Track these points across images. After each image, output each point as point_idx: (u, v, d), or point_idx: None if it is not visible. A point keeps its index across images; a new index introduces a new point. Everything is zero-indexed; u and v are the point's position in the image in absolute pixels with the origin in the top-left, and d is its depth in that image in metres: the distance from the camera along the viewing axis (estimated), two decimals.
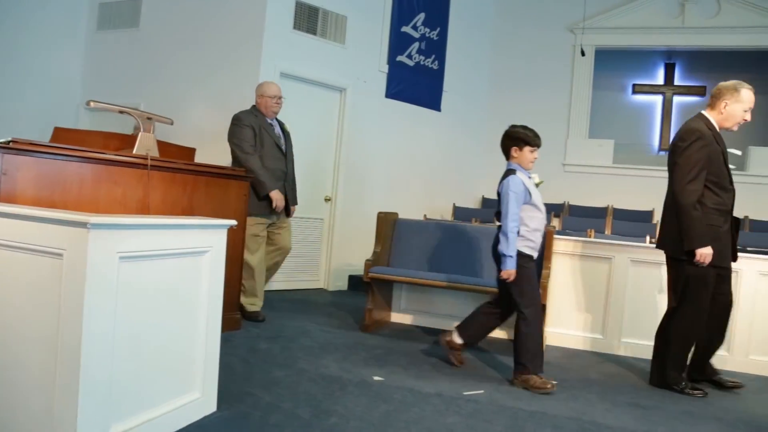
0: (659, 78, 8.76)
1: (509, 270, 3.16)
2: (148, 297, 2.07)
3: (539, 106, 7.91)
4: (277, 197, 4.18)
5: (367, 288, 4.24)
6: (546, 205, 7.96)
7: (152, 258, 2.07)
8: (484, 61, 8.00)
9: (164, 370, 2.18)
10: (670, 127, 8.62)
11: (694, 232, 3.14)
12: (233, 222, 2.44)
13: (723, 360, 3.84)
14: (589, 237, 5.19)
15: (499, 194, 3.34)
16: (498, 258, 3.24)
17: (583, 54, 7.53)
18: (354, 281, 6.11)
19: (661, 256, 4.19)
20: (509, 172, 3.35)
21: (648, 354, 4.07)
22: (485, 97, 8.00)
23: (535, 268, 3.29)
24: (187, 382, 2.31)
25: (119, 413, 1.98)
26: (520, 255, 3.20)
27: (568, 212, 7.46)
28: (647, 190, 7.44)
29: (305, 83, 5.79)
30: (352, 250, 6.10)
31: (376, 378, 3.12)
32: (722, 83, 3.28)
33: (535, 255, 3.30)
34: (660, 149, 8.63)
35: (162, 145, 3.52)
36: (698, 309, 3.24)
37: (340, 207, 6.13)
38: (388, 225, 4.49)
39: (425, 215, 6.84)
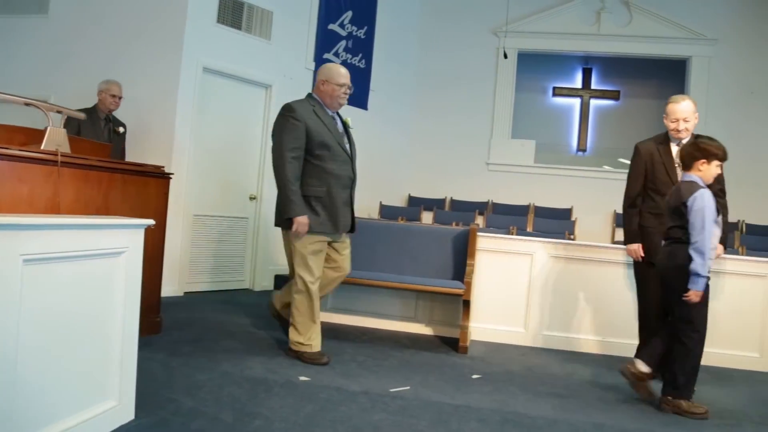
0: (577, 82, 9.17)
1: (699, 291, 2.94)
2: (58, 301, 1.95)
3: (464, 107, 8.10)
4: (302, 222, 3.27)
5: None
6: (471, 203, 8.25)
7: (61, 260, 1.95)
8: (411, 61, 8.09)
9: (76, 378, 2.06)
10: (588, 128, 9.03)
11: (626, 232, 3.70)
12: (151, 221, 2.34)
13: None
14: (512, 234, 5.35)
15: (677, 207, 3.06)
16: (677, 274, 3.02)
17: (505, 57, 7.76)
18: (280, 281, 5.97)
19: (579, 251, 4.40)
20: (694, 185, 3.01)
21: (567, 345, 4.28)
22: (412, 97, 8.10)
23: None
24: (102, 389, 2.20)
25: (24, 427, 1.86)
26: None
27: (491, 210, 7.68)
28: (566, 189, 7.78)
29: (229, 79, 5.65)
30: (279, 250, 5.96)
31: (302, 378, 3.08)
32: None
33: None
34: (578, 150, 9.03)
35: (74, 141, 3.33)
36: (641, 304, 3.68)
37: (265, 206, 6.02)
38: None
39: None
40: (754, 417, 3.06)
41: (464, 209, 7.66)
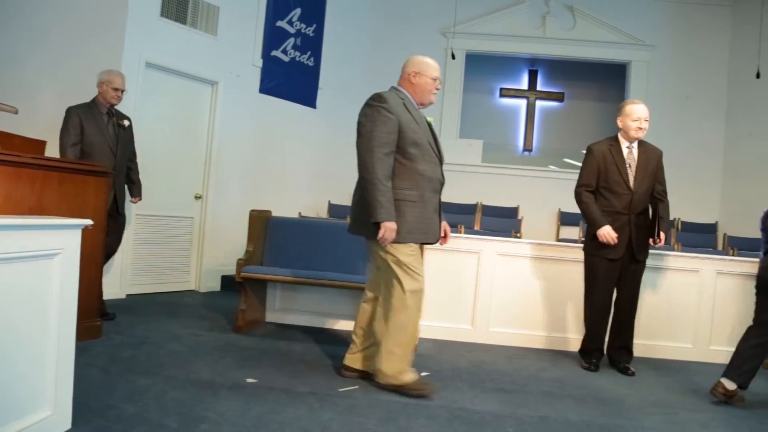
0: (524, 83, 9.37)
1: None
2: None
3: None
4: (391, 228, 2.87)
5: (240, 288, 4.12)
6: None
7: None
8: (360, 60, 8.08)
9: (6, 387, 1.96)
10: (533, 129, 9.24)
11: (591, 219, 3.79)
12: (88, 221, 2.24)
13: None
14: (460, 232, 5.41)
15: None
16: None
17: (453, 57, 7.85)
18: (227, 281, 5.91)
19: (524, 249, 4.49)
20: None
21: (514, 341, 4.36)
22: (361, 95, 7.94)
23: None
24: (35, 398, 2.09)
25: None
26: None
27: None
28: (513, 188, 7.93)
29: (174, 75, 5.50)
30: (225, 250, 5.89)
31: (249, 380, 3.03)
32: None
33: None
34: (524, 150, 9.22)
35: (4, 137, 3.18)
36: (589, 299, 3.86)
37: (211, 205, 5.90)
38: (261, 223, 4.39)
39: (300, 213, 6.78)
40: (688, 405, 3.20)
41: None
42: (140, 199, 4.54)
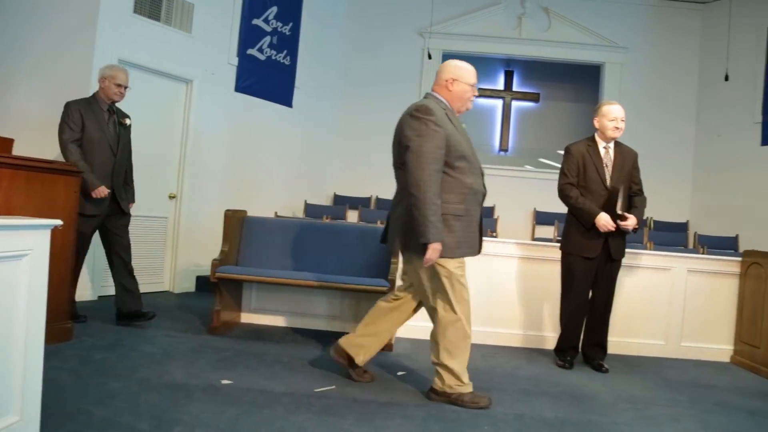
0: (500, 83, 9.43)
1: None
2: None
3: (390, 106, 8.07)
4: (437, 249, 2.78)
5: (215, 289, 4.08)
6: None
7: None
8: (337, 59, 8.06)
9: None
10: (509, 129, 9.31)
11: (584, 212, 3.81)
12: (57, 222, 2.19)
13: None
14: None
15: None
16: None
17: (429, 57, 7.88)
18: (202, 282, 5.85)
19: (500, 248, 4.51)
20: None
21: (489, 340, 4.38)
22: (337, 95, 8.06)
23: None
24: (2, 404, 2.04)
25: None
26: None
27: None
28: (489, 188, 7.91)
29: (148, 72, 5.42)
30: (199, 250, 5.83)
31: (224, 381, 3.00)
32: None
33: None
34: (500, 149, 9.28)
35: None
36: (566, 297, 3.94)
37: (185, 205, 5.83)
38: (236, 223, 4.35)
39: (276, 213, 6.74)
40: (660, 401, 3.26)
41: (389, 208, 7.70)
42: (133, 203, 4.34)
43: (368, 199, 7.97)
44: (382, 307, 3.19)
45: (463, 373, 2.92)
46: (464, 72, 3.02)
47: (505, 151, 9.25)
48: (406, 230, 2.89)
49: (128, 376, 2.98)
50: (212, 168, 6.12)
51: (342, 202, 7.74)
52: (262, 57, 6.68)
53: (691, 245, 7.33)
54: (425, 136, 2.77)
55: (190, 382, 2.94)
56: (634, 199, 3.89)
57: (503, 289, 4.46)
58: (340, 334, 4.26)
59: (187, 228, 5.83)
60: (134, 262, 4.18)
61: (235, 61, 6.36)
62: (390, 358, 3.78)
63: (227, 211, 4.30)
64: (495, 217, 7.67)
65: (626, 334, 4.39)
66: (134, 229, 5.30)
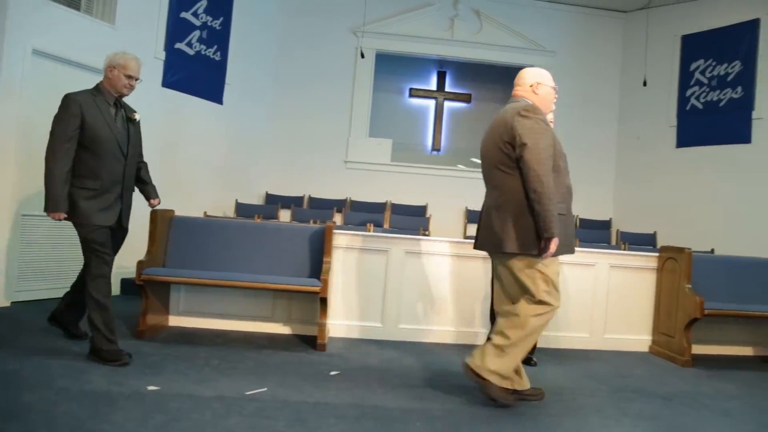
0: (433, 84, 9.57)
1: None
2: None
3: (323, 104, 8.10)
4: (556, 242, 2.83)
5: (141, 291, 3.92)
6: (328, 201, 8.25)
7: None
8: (269, 56, 7.93)
9: None
10: (442, 128, 9.46)
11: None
12: None
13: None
14: (368, 231, 5.43)
15: None
16: None
17: (362, 56, 7.88)
18: (127, 285, 5.60)
19: (435, 247, 4.56)
20: None
21: (423, 337, 4.43)
22: (269, 92, 7.93)
23: None
24: None
25: None
26: None
27: (349, 207, 7.76)
28: (422, 187, 8.08)
29: (66, 64, 5.13)
30: (124, 252, 5.53)
31: (150, 388, 2.88)
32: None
33: None
34: (433, 149, 9.41)
35: None
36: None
37: None
38: (163, 223, 4.20)
39: (206, 212, 6.56)
40: (585, 391, 3.39)
41: (322, 207, 7.67)
42: (159, 201, 3.87)
43: (301, 198, 7.89)
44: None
45: (514, 366, 2.94)
46: (545, 75, 3.13)
47: (438, 150, 9.39)
48: (515, 229, 2.87)
49: (45, 386, 2.81)
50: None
51: (274, 202, 7.62)
52: (191, 52, 6.48)
53: (613, 242, 7.67)
54: (540, 133, 2.82)
55: (113, 390, 2.81)
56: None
57: (436, 287, 4.51)
58: (272, 336, 4.23)
59: None
60: (52, 266, 3.96)
61: (163, 55, 6.14)
62: (323, 358, 3.75)
63: (153, 210, 4.14)
64: (427, 216, 7.77)
65: (554, 328, 4.53)
66: (51, 230, 5.04)
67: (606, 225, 8.20)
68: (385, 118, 9.01)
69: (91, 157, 3.29)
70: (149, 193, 3.81)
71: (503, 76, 9.14)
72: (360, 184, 8.03)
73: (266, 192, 7.88)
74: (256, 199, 7.80)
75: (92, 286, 3.29)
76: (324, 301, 3.93)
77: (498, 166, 2.96)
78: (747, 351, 4.77)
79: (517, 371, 3.02)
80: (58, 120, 3.27)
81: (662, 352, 4.51)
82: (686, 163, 7.47)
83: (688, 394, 3.50)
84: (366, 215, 6.97)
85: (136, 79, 3.51)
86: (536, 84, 3.09)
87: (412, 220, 7.37)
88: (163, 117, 6.14)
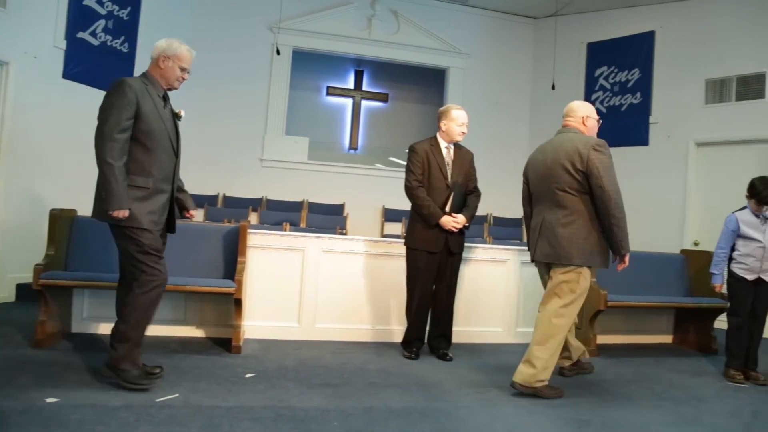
0: (350, 83, 9.57)
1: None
2: None
3: (238, 101, 7.91)
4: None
5: (39, 297, 3.66)
6: (244, 199, 8.06)
7: None
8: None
9: None
10: (359, 127, 9.48)
11: (429, 213, 3.97)
12: None
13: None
14: (285, 230, 5.36)
15: None
16: None
17: (278, 53, 7.75)
18: (24, 291, 5.22)
19: (352, 245, 4.55)
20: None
21: (340, 336, 4.42)
22: (182, 88, 7.61)
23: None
24: None
25: None
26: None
27: (265, 206, 7.62)
28: (339, 186, 8.06)
29: None
30: (21, 254, 5.20)
31: (49, 400, 2.69)
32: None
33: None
34: (350, 148, 9.42)
35: None
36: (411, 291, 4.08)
37: (2, 204, 5.17)
38: (64, 224, 3.94)
39: None
40: (498, 383, 3.49)
41: (237, 206, 7.48)
42: (195, 210, 3.50)
43: (215, 197, 7.66)
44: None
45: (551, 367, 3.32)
46: (591, 109, 3.58)
47: (355, 149, 9.40)
48: (581, 245, 3.29)
49: None
50: (36, 163, 5.48)
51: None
52: (95, 42, 6.13)
53: (525, 239, 7.96)
54: (612, 167, 3.30)
55: (6, 405, 2.60)
56: (468, 198, 4.13)
57: (353, 286, 4.51)
58: (185, 339, 4.08)
59: (6, 230, 5.18)
60: None
61: (63, 44, 5.77)
62: (237, 360, 3.65)
63: (53, 210, 3.88)
64: (344, 214, 7.76)
65: (468, 323, 4.65)
66: None
67: (518, 223, 8.50)
68: (301, 116, 8.92)
69: (143, 151, 2.95)
70: (186, 201, 3.43)
71: (420, 77, 9.32)
72: (276, 183, 7.91)
73: None
74: None
75: (147, 298, 2.97)
76: (239, 303, 3.83)
77: (566, 189, 3.32)
78: (645, 339, 5.13)
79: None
80: (111, 106, 2.90)
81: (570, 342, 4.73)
82: None
83: (594, 381, 3.70)
84: (282, 214, 6.87)
85: (188, 72, 3.24)
86: (586, 117, 3.53)
87: (329, 218, 7.35)
88: (65, 111, 5.77)
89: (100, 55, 6.17)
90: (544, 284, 3.56)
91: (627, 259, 3.35)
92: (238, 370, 3.43)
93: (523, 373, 3.26)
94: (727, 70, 6.75)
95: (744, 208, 4.06)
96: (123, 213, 2.84)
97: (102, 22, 6.19)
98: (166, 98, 3.17)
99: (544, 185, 3.44)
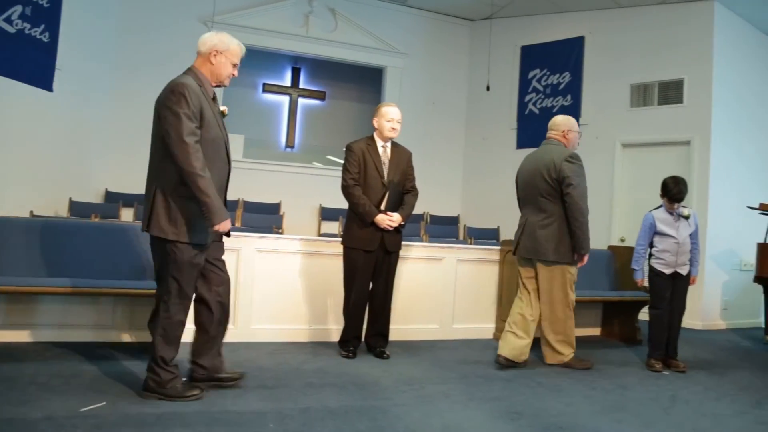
0: (287, 80, 9.44)
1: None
2: None
3: None
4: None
5: None
6: None
7: None
8: (108, 40, 7.32)
9: None
10: (296, 125, 9.37)
11: (363, 212, 3.98)
12: None
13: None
14: None
15: None
16: None
17: None
18: None
19: (288, 245, 4.49)
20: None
21: (276, 336, 4.35)
22: (109, 81, 7.34)
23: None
24: None
25: None
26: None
27: None
28: (275, 184, 7.94)
29: None
30: None
31: None
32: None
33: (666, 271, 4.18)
34: (287, 146, 9.30)
35: None
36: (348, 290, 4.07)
37: None
38: None
39: (32, 212, 5.90)
40: (434, 379, 3.54)
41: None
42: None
43: None
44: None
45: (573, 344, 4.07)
46: (573, 123, 4.11)
47: (292, 147, 9.29)
48: (557, 244, 3.86)
49: None
50: None
51: (115, 200, 7.07)
52: (11, 29, 5.77)
53: (461, 237, 8.11)
54: (582, 176, 3.84)
55: None
56: (405, 197, 4.14)
57: (289, 286, 4.45)
58: (114, 345, 3.90)
59: None
60: None
61: None
62: None
63: None
64: (281, 213, 7.66)
65: (405, 321, 4.68)
66: None
67: (454, 221, 8.65)
68: (237, 113, 8.69)
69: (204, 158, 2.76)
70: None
71: (358, 75, 9.30)
72: None
73: (106, 189, 7.28)
74: (94, 197, 7.17)
75: (180, 308, 2.85)
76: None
77: (545, 195, 3.87)
78: (575, 332, 5.27)
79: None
80: (178, 113, 2.68)
81: None
82: None
83: (527, 374, 3.80)
84: None
85: (237, 67, 3.06)
86: (567, 131, 4.06)
87: (265, 218, 7.22)
88: None
89: (16, 44, 5.83)
90: (521, 277, 4.11)
91: (585, 258, 3.90)
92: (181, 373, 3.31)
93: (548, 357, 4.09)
94: (649, 76, 7.09)
95: (660, 206, 4.27)
96: (226, 225, 2.77)
97: (18, 7, 5.84)
98: (215, 98, 2.99)
99: (528, 191, 4.02)
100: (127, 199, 7.05)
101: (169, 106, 2.71)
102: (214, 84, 2.99)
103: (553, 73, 8.01)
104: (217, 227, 2.75)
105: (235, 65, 3.02)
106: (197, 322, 3.05)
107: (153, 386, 2.83)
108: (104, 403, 2.76)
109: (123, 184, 7.30)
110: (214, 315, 3.02)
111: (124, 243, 4.01)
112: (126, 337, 4.07)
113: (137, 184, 7.22)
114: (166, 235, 2.77)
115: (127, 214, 6.86)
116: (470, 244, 6.87)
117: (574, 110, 7.71)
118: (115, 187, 7.27)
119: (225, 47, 2.96)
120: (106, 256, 3.92)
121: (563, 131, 4.06)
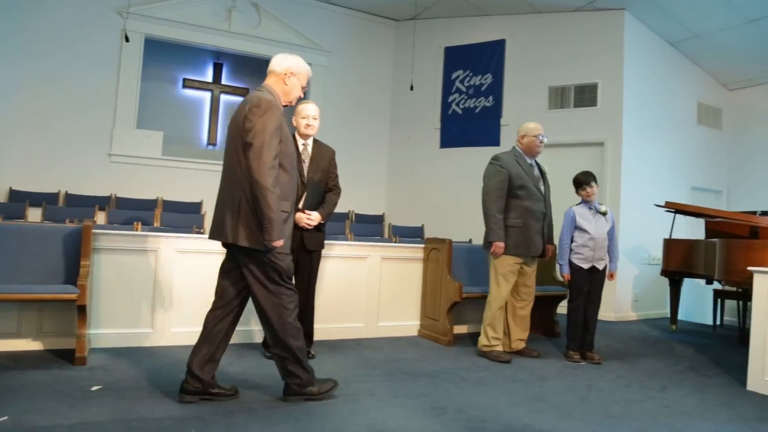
0: (208, 76, 9.19)
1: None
2: None
3: (83, 91, 7.28)
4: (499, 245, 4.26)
5: None
6: (89, 198, 7.43)
7: None
8: (11, 27, 6.85)
9: None
10: (218, 122, 9.13)
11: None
12: None
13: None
14: (136, 230, 5.03)
15: None
16: None
17: (127, 40, 7.20)
18: None
19: (209, 245, 4.36)
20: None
21: (192, 339, 4.19)
22: (13, 69, 6.90)
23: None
24: None
25: None
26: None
27: (115, 205, 7.10)
28: (196, 183, 7.71)
29: None
30: None
31: None
32: None
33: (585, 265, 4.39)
34: (208, 143, 9.05)
35: None
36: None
37: None
38: None
39: None
40: (359, 378, 3.54)
41: (82, 204, 6.87)
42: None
43: (56, 195, 6.98)
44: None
45: (493, 335, 4.36)
46: (530, 128, 4.42)
47: (214, 145, 9.05)
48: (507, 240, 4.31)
49: None
50: None
51: (20, 199, 6.64)
52: None
53: (386, 235, 8.17)
54: (492, 175, 4.31)
55: None
56: (327, 195, 4.10)
57: (210, 287, 4.27)
58: (19, 354, 3.66)
59: None
60: None
61: None
62: (82, 372, 3.35)
63: None
64: (202, 213, 7.44)
65: (330, 320, 4.67)
66: None
67: (379, 219, 8.70)
68: (155, 108, 8.41)
69: (284, 174, 2.90)
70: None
71: None
72: (127, 180, 7.39)
73: (10, 187, 6.81)
74: (35, 185, 6.72)
75: (292, 317, 3.01)
76: (82, 309, 3.51)
77: None
78: None
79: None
80: (266, 126, 2.80)
81: (429, 335, 4.93)
82: (448, 163, 8.25)
83: (450, 370, 3.87)
84: (134, 213, 6.42)
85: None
86: (522, 136, 4.50)
87: (185, 217, 6.99)
88: None
89: None
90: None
91: (493, 246, 4.24)
92: (82, 383, 3.14)
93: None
94: (566, 79, 7.41)
95: (581, 202, 4.47)
96: (280, 243, 2.82)
97: None
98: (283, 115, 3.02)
99: None
100: (35, 199, 6.63)
101: (257, 118, 2.79)
102: (284, 104, 3.11)
103: (475, 75, 8.22)
104: (273, 243, 2.79)
105: (303, 87, 3.18)
106: (217, 329, 3.11)
107: (297, 389, 3.01)
108: (6, 417, 2.59)
109: (29, 183, 6.87)
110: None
111: (30, 245, 3.75)
112: (33, 345, 3.82)
113: (45, 183, 6.90)
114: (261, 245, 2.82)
115: (34, 214, 6.45)
116: (395, 242, 6.93)
117: (495, 111, 7.95)
118: (21, 186, 6.82)
119: (298, 70, 3.13)
120: (8, 259, 3.66)
121: (519, 137, 4.46)
